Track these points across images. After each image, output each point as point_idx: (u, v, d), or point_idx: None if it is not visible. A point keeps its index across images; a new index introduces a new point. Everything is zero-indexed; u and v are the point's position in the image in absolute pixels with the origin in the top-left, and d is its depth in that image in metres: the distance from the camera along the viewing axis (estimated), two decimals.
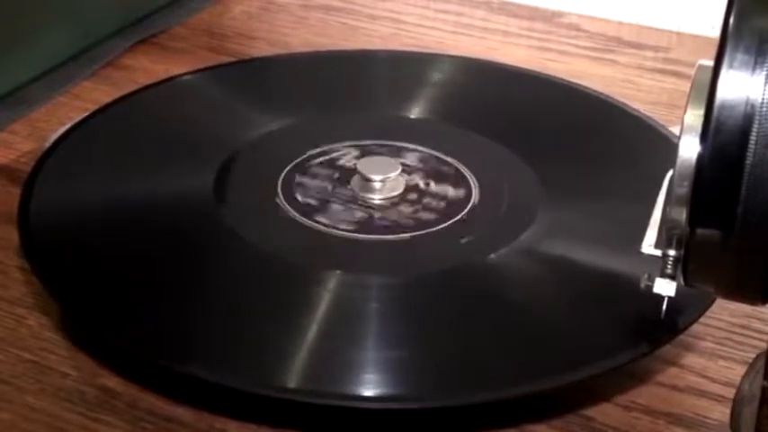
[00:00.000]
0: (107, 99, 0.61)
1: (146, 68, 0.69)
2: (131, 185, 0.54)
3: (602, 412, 0.45)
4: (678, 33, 0.77)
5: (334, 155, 0.57)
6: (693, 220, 0.34)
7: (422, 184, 0.55)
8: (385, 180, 0.54)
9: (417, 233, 0.51)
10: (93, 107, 0.61)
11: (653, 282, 0.42)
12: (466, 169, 0.56)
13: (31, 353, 0.47)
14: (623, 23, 0.78)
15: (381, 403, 0.43)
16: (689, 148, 0.35)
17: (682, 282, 0.38)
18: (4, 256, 0.52)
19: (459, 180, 0.55)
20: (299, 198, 0.53)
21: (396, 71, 0.66)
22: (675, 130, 0.39)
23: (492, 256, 0.50)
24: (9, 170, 0.59)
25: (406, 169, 0.55)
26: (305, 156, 0.56)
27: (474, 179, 0.55)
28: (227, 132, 0.59)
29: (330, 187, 0.54)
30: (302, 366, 0.44)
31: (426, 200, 0.53)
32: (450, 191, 0.54)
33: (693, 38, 0.76)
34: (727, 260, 0.34)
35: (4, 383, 0.45)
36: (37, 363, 0.46)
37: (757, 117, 0.33)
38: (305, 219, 0.52)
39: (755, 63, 0.33)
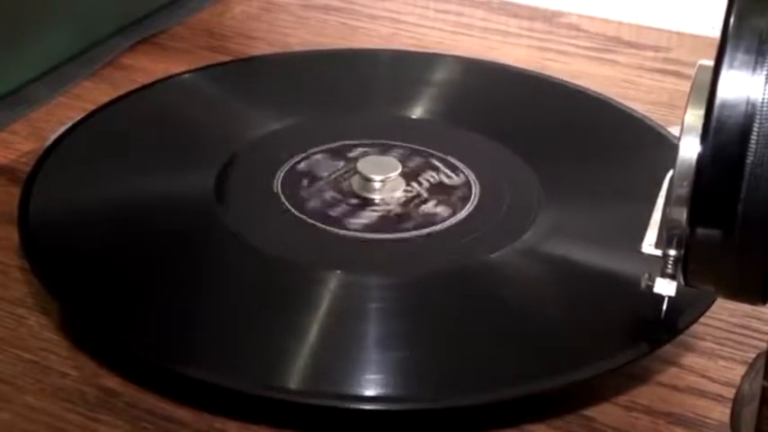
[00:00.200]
0: (107, 99, 0.61)
1: (146, 68, 0.69)
2: (131, 185, 0.54)
3: (603, 412, 0.45)
4: (678, 33, 0.77)
5: (333, 155, 0.57)
6: (694, 220, 0.34)
7: (422, 185, 0.55)
8: (385, 180, 0.54)
9: (417, 233, 0.51)
10: (93, 107, 0.61)
11: (653, 282, 0.42)
12: (466, 169, 0.56)
13: (31, 353, 0.47)
14: (623, 23, 0.78)
15: (382, 404, 0.43)
16: (689, 148, 0.35)
17: (682, 282, 0.38)
18: (4, 256, 0.52)
19: (459, 180, 0.55)
20: (299, 198, 0.53)
21: (396, 71, 0.66)
22: (675, 130, 0.39)
23: (492, 256, 0.50)
24: (9, 170, 0.59)
25: (406, 169, 0.55)
26: (305, 156, 0.56)
27: (474, 179, 0.55)
28: (227, 132, 0.59)
29: (330, 187, 0.54)
30: (302, 367, 0.44)
31: (426, 200, 0.53)
32: (450, 191, 0.54)
33: (693, 38, 0.76)
34: (727, 260, 0.34)
35: (4, 383, 0.45)
36: (37, 363, 0.46)
37: (758, 117, 0.33)
38: (305, 219, 0.52)
39: (756, 63, 0.33)
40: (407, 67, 0.66)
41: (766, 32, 0.33)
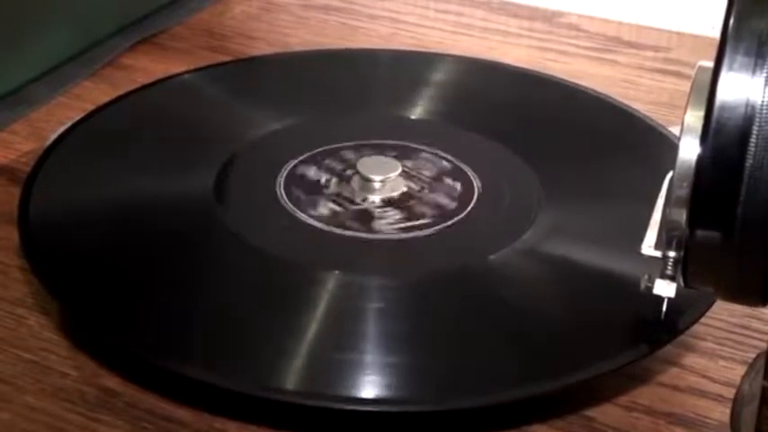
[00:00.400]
0: (107, 99, 0.61)
1: (146, 68, 0.69)
2: (131, 185, 0.54)
3: (603, 413, 0.45)
4: (678, 33, 0.77)
5: (333, 155, 0.57)
6: (693, 222, 0.34)
7: (422, 185, 0.55)
8: (385, 180, 0.54)
9: (417, 233, 0.51)
10: (93, 107, 0.61)
11: (653, 283, 0.42)
12: (466, 169, 0.56)
13: (31, 353, 0.47)
14: (623, 23, 0.78)
15: (381, 406, 0.43)
16: (689, 150, 0.35)
17: (681, 283, 0.38)
18: (4, 256, 0.52)
19: (459, 180, 0.55)
20: (299, 198, 0.53)
21: (396, 71, 0.66)
22: (675, 130, 0.39)
23: (492, 256, 0.50)
24: (9, 170, 0.59)
25: (406, 169, 0.55)
26: (305, 156, 0.56)
27: (474, 179, 0.55)
28: (227, 132, 0.59)
29: (330, 187, 0.54)
30: (302, 368, 0.44)
31: (426, 200, 0.53)
32: (450, 191, 0.54)
33: (693, 38, 0.76)
34: (726, 262, 0.34)
35: (4, 383, 0.45)
36: (37, 363, 0.46)
37: (757, 119, 0.33)
38: (305, 219, 0.52)
39: (755, 65, 0.33)
40: (407, 67, 0.66)
41: (766, 34, 0.33)
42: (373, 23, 0.77)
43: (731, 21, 0.34)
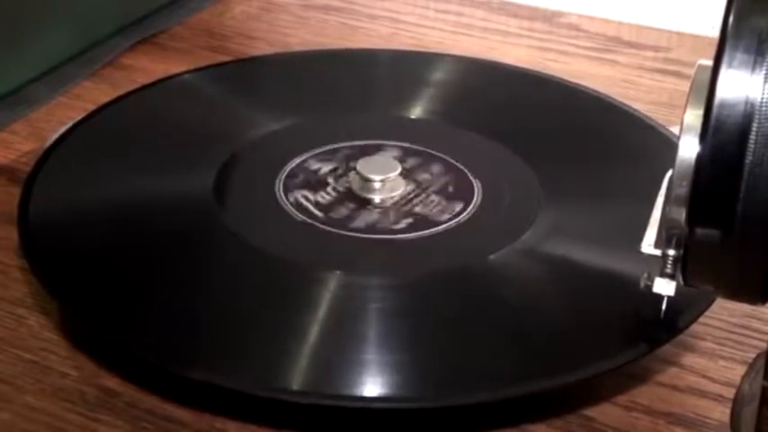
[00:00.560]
0: (107, 99, 0.61)
1: (146, 68, 0.69)
2: (131, 185, 0.54)
3: (603, 412, 0.45)
4: (678, 33, 0.77)
5: (333, 155, 0.57)
6: (693, 220, 0.34)
7: (422, 185, 0.55)
8: (385, 180, 0.54)
9: (417, 233, 0.51)
10: (93, 107, 0.61)
11: (652, 281, 0.42)
12: (466, 169, 0.56)
13: (31, 353, 0.47)
14: (623, 23, 0.78)
15: (381, 404, 0.43)
16: (688, 148, 0.35)
17: (681, 281, 0.38)
18: (4, 256, 0.52)
19: (458, 180, 0.55)
20: (299, 198, 0.53)
21: (396, 71, 0.66)
22: (675, 129, 0.39)
23: (492, 256, 0.50)
24: (9, 170, 0.59)
25: (406, 169, 0.55)
26: (305, 156, 0.56)
27: (474, 179, 0.55)
28: (227, 132, 0.59)
29: (330, 187, 0.54)
30: (302, 367, 0.44)
31: (426, 200, 0.53)
32: (449, 191, 0.54)
33: (693, 38, 0.76)
34: (726, 260, 0.34)
35: (4, 383, 0.45)
36: (37, 363, 0.46)
37: (757, 116, 0.33)
38: (305, 219, 0.52)
39: (755, 62, 0.33)
40: (407, 67, 0.66)
41: (765, 32, 0.33)
42: (373, 23, 0.77)
43: (731, 18, 0.34)
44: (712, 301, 0.46)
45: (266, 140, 0.58)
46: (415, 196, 0.54)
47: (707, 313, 0.46)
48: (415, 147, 0.57)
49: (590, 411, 0.45)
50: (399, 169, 0.54)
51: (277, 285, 0.48)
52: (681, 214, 0.35)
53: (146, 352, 0.44)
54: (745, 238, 0.34)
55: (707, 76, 0.34)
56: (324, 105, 0.62)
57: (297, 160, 0.56)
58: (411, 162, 0.56)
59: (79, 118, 0.59)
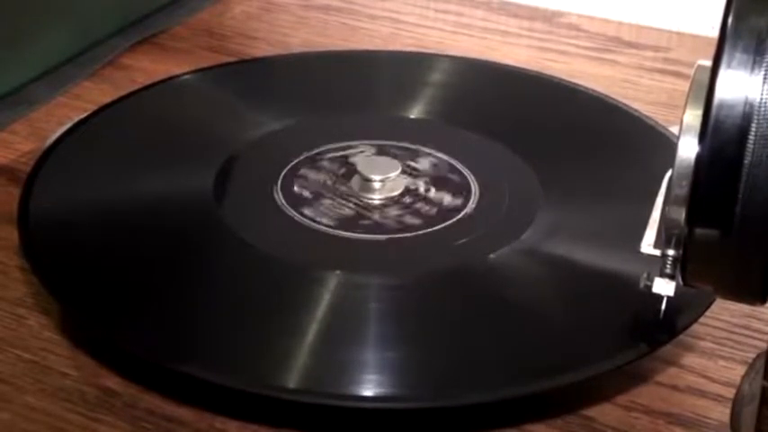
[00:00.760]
0: (107, 99, 0.61)
1: (146, 68, 0.69)
2: (131, 185, 0.54)
3: (602, 412, 0.45)
4: (678, 33, 0.77)
5: (333, 155, 0.57)
6: (692, 220, 0.35)
7: (422, 184, 0.55)
8: (385, 180, 0.54)
9: (417, 233, 0.51)
10: (93, 107, 0.61)
11: (652, 281, 0.42)
12: (466, 169, 0.56)
13: (31, 353, 0.47)
14: (623, 23, 0.78)
15: (381, 403, 0.43)
16: (688, 148, 0.35)
17: (681, 281, 0.38)
18: (4, 256, 0.53)
19: (459, 180, 0.55)
20: (299, 198, 0.53)
21: (396, 71, 0.66)
22: (675, 130, 0.39)
23: (492, 256, 0.50)
24: (9, 170, 0.59)
25: (406, 169, 0.55)
26: (304, 156, 0.56)
27: (474, 179, 0.55)
28: (227, 132, 0.59)
29: (330, 187, 0.54)
30: (302, 366, 0.44)
31: (426, 200, 0.53)
32: (450, 191, 0.54)
33: (693, 38, 0.76)
34: (725, 260, 0.34)
35: (4, 383, 0.45)
36: (37, 363, 0.46)
37: (756, 117, 0.33)
38: (305, 219, 0.52)
39: (754, 62, 0.33)
40: (407, 68, 0.66)
41: (764, 32, 0.33)
42: (373, 24, 0.77)
43: (730, 19, 0.34)
44: (712, 302, 0.46)
45: (266, 140, 0.58)
46: (415, 196, 0.54)
47: (707, 313, 0.46)
48: (415, 147, 0.57)
49: (590, 411, 0.45)
50: (399, 169, 0.54)
51: (277, 285, 0.48)
52: (680, 214, 0.35)
53: (146, 351, 0.44)
54: (745, 238, 0.34)
55: (706, 76, 0.34)
56: (324, 105, 0.62)
57: (296, 160, 0.56)
58: (411, 162, 0.56)
59: (79, 118, 0.59)
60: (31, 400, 0.45)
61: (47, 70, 0.68)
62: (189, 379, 0.44)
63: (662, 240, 0.42)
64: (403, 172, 0.55)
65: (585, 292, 0.48)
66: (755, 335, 0.49)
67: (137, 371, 0.45)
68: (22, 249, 0.50)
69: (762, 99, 0.33)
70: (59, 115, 0.64)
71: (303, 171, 0.55)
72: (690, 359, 0.48)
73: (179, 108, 0.62)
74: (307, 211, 0.52)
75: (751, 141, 0.33)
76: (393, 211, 0.53)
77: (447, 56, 0.68)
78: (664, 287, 0.42)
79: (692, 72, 0.37)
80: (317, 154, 0.57)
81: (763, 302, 0.36)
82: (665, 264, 0.41)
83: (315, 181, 0.55)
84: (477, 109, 0.62)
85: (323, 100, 0.63)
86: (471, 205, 0.53)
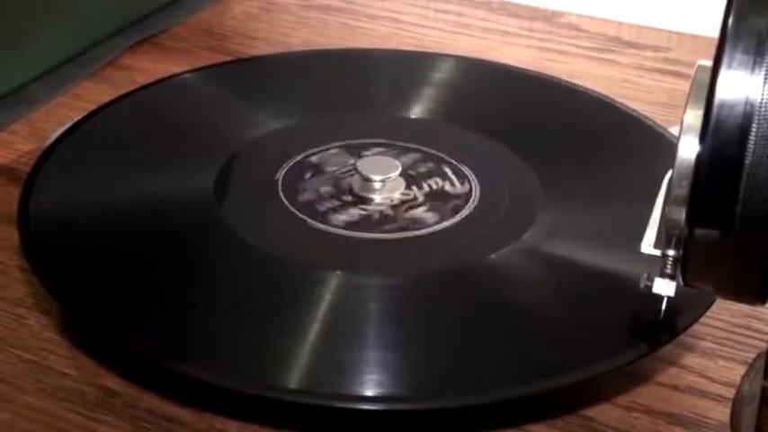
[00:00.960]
0: (107, 99, 0.61)
1: (146, 68, 0.69)
2: (131, 185, 0.54)
3: (603, 412, 0.45)
4: (678, 33, 0.77)
5: (333, 155, 0.57)
6: (692, 220, 0.35)
7: (422, 185, 0.55)
8: (385, 180, 0.54)
9: (417, 233, 0.51)
10: (93, 107, 0.61)
11: (652, 282, 0.42)
12: (466, 169, 0.56)
13: (31, 353, 0.47)
14: (623, 23, 0.78)
15: (381, 404, 0.43)
16: (688, 148, 0.35)
17: (681, 282, 0.38)
18: (4, 256, 0.53)
19: (459, 180, 0.55)
20: (299, 198, 0.53)
21: (396, 71, 0.66)
22: (675, 130, 0.39)
23: (492, 256, 0.50)
24: (9, 170, 0.59)
25: (406, 169, 0.55)
26: (305, 155, 0.56)
27: (474, 179, 0.55)
28: (228, 132, 0.59)
29: (330, 187, 0.54)
30: (302, 367, 0.44)
31: (426, 200, 0.53)
32: (450, 191, 0.54)
33: (693, 38, 0.76)
34: (725, 260, 0.34)
35: (4, 383, 0.45)
36: (37, 363, 0.46)
37: (756, 117, 0.33)
38: (305, 219, 0.52)
39: (754, 63, 0.33)
40: (407, 67, 0.66)
41: (765, 33, 0.33)
42: (373, 23, 0.77)
43: (730, 19, 0.34)
44: (712, 302, 0.46)
45: (266, 140, 0.58)
46: (415, 196, 0.54)
47: (707, 313, 0.46)
48: (416, 146, 0.57)
49: (590, 411, 0.45)
50: (399, 169, 0.54)
51: (277, 285, 0.48)
52: (680, 214, 0.35)
53: (146, 351, 0.44)
54: (745, 238, 0.34)
55: (707, 76, 0.34)
56: (324, 105, 0.62)
57: (297, 159, 0.56)
58: (411, 162, 0.56)
59: (79, 118, 0.59)
60: (31, 400, 0.45)
61: (47, 70, 0.68)
62: (189, 379, 0.44)
63: (662, 240, 0.42)
64: (403, 172, 0.55)
65: (586, 293, 0.48)
66: (755, 335, 0.49)
67: (137, 371, 0.45)
68: (22, 249, 0.50)
69: (762, 99, 0.33)
70: (59, 115, 0.64)
71: (303, 171, 0.55)
72: (690, 359, 0.48)
73: (179, 107, 0.62)
74: (307, 211, 0.52)
75: (751, 141, 0.33)
76: (393, 211, 0.53)
77: (447, 55, 0.68)
78: (664, 287, 0.42)
79: (692, 72, 0.37)
80: (317, 153, 0.57)
81: (763, 303, 0.36)
82: (665, 264, 0.41)
83: (315, 181, 0.55)
84: (477, 109, 0.62)
85: (323, 99, 0.63)
86: (471, 205, 0.53)
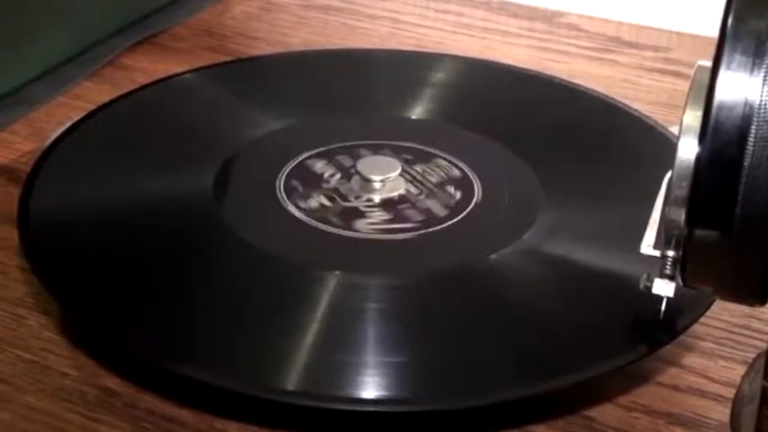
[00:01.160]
0: (107, 99, 0.61)
1: (146, 68, 0.69)
2: (131, 185, 0.54)
3: (603, 412, 0.45)
4: (678, 33, 0.77)
5: (333, 155, 0.57)
6: (692, 221, 0.34)
7: (422, 184, 0.55)
8: (385, 180, 0.54)
9: (417, 233, 0.51)
10: (93, 107, 0.61)
11: (652, 282, 0.42)
12: (466, 169, 0.56)
13: (31, 353, 0.47)
14: (623, 23, 0.78)
15: (382, 406, 0.43)
16: (688, 149, 0.35)
17: (680, 282, 0.38)
18: (4, 256, 0.53)
19: (459, 180, 0.55)
20: (299, 198, 0.53)
21: (396, 71, 0.66)
22: (675, 130, 0.39)
23: (492, 256, 0.50)
24: (9, 170, 0.59)
25: (406, 169, 0.55)
26: (305, 155, 0.56)
27: (474, 179, 0.55)
28: (227, 132, 0.59)
29: (330, 187, 0.54)
30: (302, 368, 0.44)
31: (426, 200, 0.53)
32: (450, 191, 0.54)
33: (693, 38, 0.76)
34: (725, 261, 0.34)
35: (4, 383, 0.45)
36: (37, 363, 0.46)
37: (755, 118, 0.33)
38: (305, 219, 0.52)
39: (753, 64, 0.33)
40: (407, 67, 0.66)
41: (764, 34, 0.33)
42: (373, 23, 0.77)
43: (730, 20, 0.34)
44: (712, 303, 0.46)
45: (266, 140, 0.58)
46: (415, 196, 0.54)
47: (707, 314, 0.46)
48: (415, 147, 0.57)
49: (590, 412, 0.45)
50: (399, 169, 0.54)
51: (277, 285, 0.48)
52: (680, 215, 0.35)
53: (146, 352, 0.44)
54: (744, 239, 0.34)
55: (706, 77, 0.34)
56: (324, 105, 0.62)
57: (297, 160, 0.56)
58: (411, 162, 0.56)
59: (79, 118, 0.59)
60: (31, 400, 0.45)
61: (47, 70, 0.68)
62: (189, 380, 0.44)
63: (662, 241, 0.42)
64: (403, 172, 0.55)
65: (586, 293, 0.48)
66: (755, 335, 0.49)
67: (137, 371, 0.45)
68: (22, 249, 0.50)
69: (761, 101, 0.33)
70: (59, 115, 0.64)
71: (303, 171, 0.55)
72: (690, 359, 0.48)
73: (179, 107, 0.62)
74: (307, 211, 0.52)
75: (751, 143, 0.33)
76: (393, 212, 0.53)
77: (447, 55, 0.68)
78: (663, 288, 0.42)
79: (692, 72, 0.37)
80: (317, 153, 0.57)
81: (762, 303, 0.36)
82: (664, 265, 0.41)
83: (315, 181, 0.55)
84: (478, 109, 0.62)
85: (323, 99, 0.63)
86: (471, 205, 0.53)
